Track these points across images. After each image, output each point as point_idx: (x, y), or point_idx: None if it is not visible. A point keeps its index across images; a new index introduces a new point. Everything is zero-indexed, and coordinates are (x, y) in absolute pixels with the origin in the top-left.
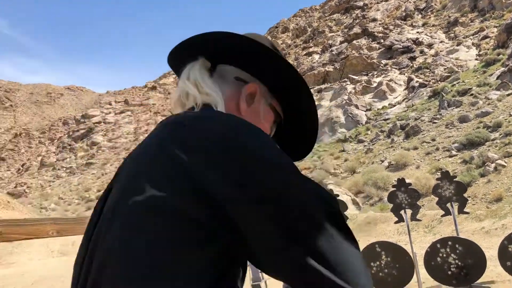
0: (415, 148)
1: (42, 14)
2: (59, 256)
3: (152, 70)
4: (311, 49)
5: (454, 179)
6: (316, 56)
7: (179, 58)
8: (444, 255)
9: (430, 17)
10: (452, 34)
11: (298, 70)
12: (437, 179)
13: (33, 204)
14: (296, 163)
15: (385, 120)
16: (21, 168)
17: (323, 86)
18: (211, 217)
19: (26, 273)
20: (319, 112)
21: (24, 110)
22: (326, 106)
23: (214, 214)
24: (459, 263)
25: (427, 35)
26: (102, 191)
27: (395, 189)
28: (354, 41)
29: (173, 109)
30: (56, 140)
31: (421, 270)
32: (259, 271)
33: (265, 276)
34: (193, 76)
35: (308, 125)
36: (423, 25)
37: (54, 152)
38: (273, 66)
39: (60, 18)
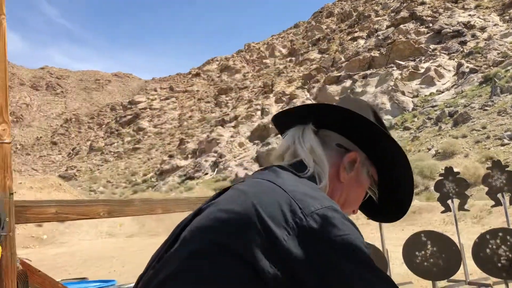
0: (464, 136)
1: (91, 3)
2: (107, 238)
3: (196, 57)
4: (356, 34)
5: (506, 169)
6: (362, 41)
7: (286, 120)
8: (494, 247)
9: None
10: (507, 17)
11: (343, 55)
12: (488, 168)
13: (83, 187)
14: None
15: (432, 107)
16: (72, 152)
17: (368, 72)
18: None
19: (77, 252)
20: (364, 98)
21: (74, 96)
22: (371, 92)
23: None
24: (510, 255)
25: (479, 18)
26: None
27: (442, 177)
28: (401, 26)
29: (273, 160)
30: (104, 126)
31: (468, 261)
32: None
33: None
34: (309, 142)
35: (401, 194)
36: (476, 7)
37: (102, 137)
38: (374, 137)
39: (109, 6)
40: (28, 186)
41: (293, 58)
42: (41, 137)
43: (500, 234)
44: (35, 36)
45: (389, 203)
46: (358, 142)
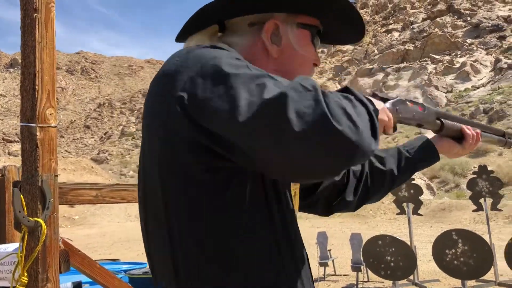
0: None
1: None
2: (135, 221)
3: None
4: (390, 26)
5: None
6: (396, 34)
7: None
8: None
9: None
10: None
11: (376, 48)
12: None
13: (114, 171)
14: None
15: (467, 103)
16: (104, 136)
17: (401, 65)
18: None
19: (107, 233)
20: (396, 92)
21: (107, 81)
22: (404, 86)
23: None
24: None
25: None
26: None
27: (475, 176)
28: (438, 19)
29: None
30: (135, 111)
31: (499, 262)
32: (328, 249)
33: (333, 255)
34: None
35: (347, 11)
36: None
37: (133, 123)
38: None
39: None
40: (62, 167)
41: (325, 49)
42: (75, 120)
43: None
44: (74, 22)
45: (341, 23)
46: (269, 9)
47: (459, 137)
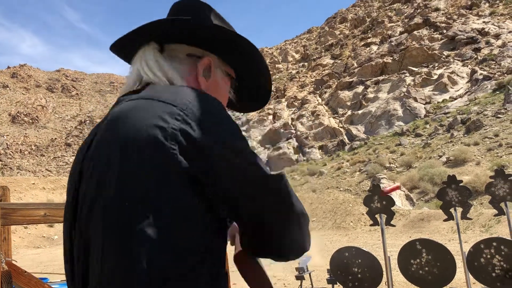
0: (476, 144)
1: (112, 7)
2: None
3: None
4: (369, 40)
5: (510, 178)
6: (375, 47)
7: (128, 46)
8: (488, 256)
9: (498, 6)
10: None
11: (356, 61)
12: (491, 177)
13: None
14: (351, 156)
15: (445, 113)
16: None
17: (380, 78)
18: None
19: None
20: (376, 104)
21: (89, 99)
22: (383, 98)
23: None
24: (504, 265)
25: (494, 25)
26: None
27: (445, 186)
28: (415, 32)
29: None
30: None
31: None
32: (307, 262)
33: (310, 268)
34: (151, 62)
35: (261, 81)
36: (490, 14)
37: None
38: (221, 38)
39: (129, 9)
40: (41, 187)
41: (306, 63)
42: (55, 138)
43: (494, 243)
44: (56, 40)
45: (253, 91)
46: (208, 47)
47: None
